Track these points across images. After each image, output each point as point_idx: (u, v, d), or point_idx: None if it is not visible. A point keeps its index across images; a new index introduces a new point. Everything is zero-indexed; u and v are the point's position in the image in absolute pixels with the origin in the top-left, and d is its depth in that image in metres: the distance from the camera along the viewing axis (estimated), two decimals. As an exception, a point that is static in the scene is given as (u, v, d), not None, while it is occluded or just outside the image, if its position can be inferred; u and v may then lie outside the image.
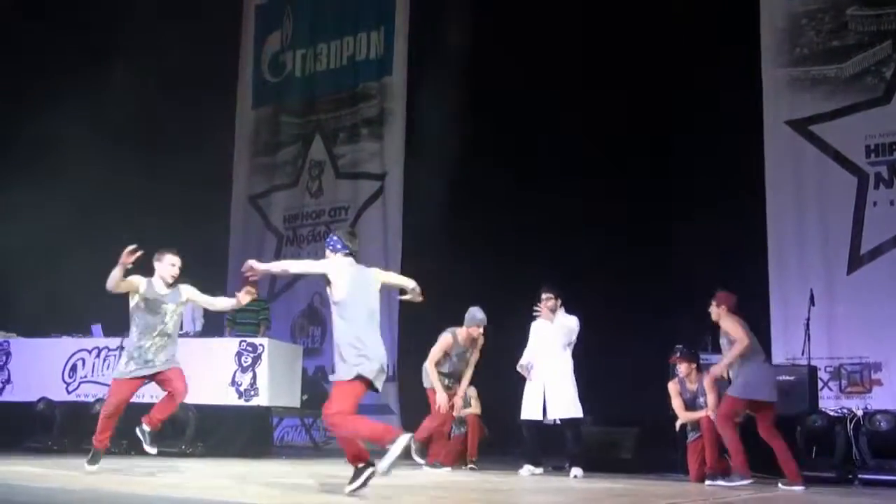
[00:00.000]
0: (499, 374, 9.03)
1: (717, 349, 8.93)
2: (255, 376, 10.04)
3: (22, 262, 12.08)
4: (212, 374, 10.25)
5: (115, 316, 11.45)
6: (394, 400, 12.22)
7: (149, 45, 12.79)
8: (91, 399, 10.72)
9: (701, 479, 7.92)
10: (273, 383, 10.08)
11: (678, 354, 8.37)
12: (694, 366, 8.34)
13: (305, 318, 14.07)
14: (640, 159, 10.98)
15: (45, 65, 12.38)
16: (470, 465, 8.96)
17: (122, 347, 10.81)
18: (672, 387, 8.39)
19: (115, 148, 12.21)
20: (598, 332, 10.17)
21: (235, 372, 10.09)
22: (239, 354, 10.19)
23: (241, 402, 10.00)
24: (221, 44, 14.79)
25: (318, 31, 14.84)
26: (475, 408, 9.30)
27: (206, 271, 13.31)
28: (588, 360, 7.65)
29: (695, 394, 8.28)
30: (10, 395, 11.35)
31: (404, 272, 12.60)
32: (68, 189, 12.07)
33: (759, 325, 8.41)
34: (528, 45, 11.50)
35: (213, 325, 11.62)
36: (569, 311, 8.44)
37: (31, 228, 11.80)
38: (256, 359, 10.13)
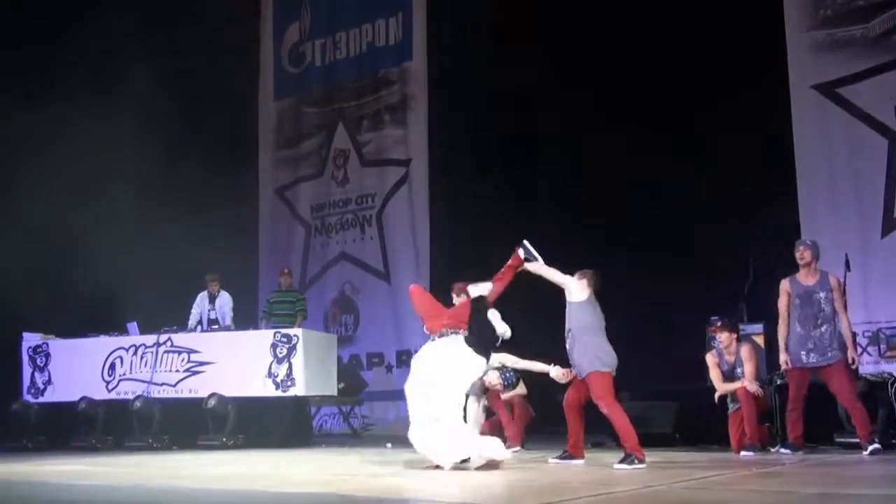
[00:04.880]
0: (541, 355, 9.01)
1: (752, 318, 8.89)
2: (290, 367, 10.10)
3: (57, 264, 12.21)
4: (248, 366, 10.34)
5: (149, 314, 11.60)
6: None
7: (167, 41, 12.83)
8: (131, 396, 10.84)
9: (753, 441, 7.91)
10: (309, 373, 10.14)
11: (718, 324, 8.30)
12: (734, 336, 8.28)
13: (338, 306, 14.13)
14: (665, 134, 10.87)
15: (62, 63, 12.45)
16: (514, 449, 9.01)
17: (158, 344, 10.93)
18: (710, 358, 8.35)
19: (144, 147, 12.28)
20: (633, 306, 10.15)
21: (271, 363, 10.15)
22: (274, 346, 10.26)
23: (279, 393, 10.07)
24: (241, 38, 14.82)
25: (336, 19, 14.82)
26: (521, 388, 9.32)
27: (236, 266, 13.44)
28: (623, 333, 7.61)
29: (733, 364, 8.23)
30: (53, 396, 11.50)
31: (432, 256, 12.82)
32: (100, 190, 12.18)
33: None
34: (547, 21, 11.42)
35: (248, 317, 11.70)
36: (604, 287, 8.38)
37: (65, 230, 11.93)
38: (291, 349, 10.19)
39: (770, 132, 10.36)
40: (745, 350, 8.21)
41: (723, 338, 8.26)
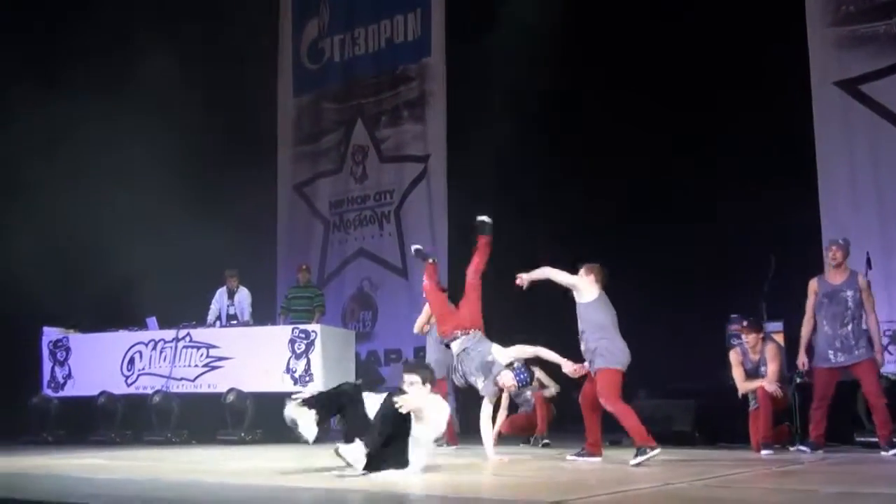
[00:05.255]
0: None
1: (772, 317, 8.83)
2: (308, 362, 10.14)
3: (77, 260, 12.28)
4: (266, 362, 10.38)
5: (169, 309, 11.66)
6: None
7: (187, 38, 12.87)
8: (150, 391, 10.90)
9: (767, 440, 7.88)
10: (327, 368, 10.17)
11: (745, 324, 8.27)
12: (760, 336, 8.24)
13: (356, 302, 14.14)
14: (685, 132, 10.79)
15: (79, 58, 12.51)
16: (544, 442, 9.04)
17: (177, 339, 10.98)
18: (733, 356, 8.31)
19: (164, 144, 12.33)
20: (651, 303, 10.11)
21: (289, 359, 10.19)
22: (292, 342, 10.30)
23: (297, 388, 10.08)
24: (261, 35, 14.85)
25: (354, 15, 14.83)
26: (552, 387, 9.37)
27: (255, 262, 13.48)
28: (641, 331, 7.58)
29: (757, 363, 8.19)
30: (73, 390, 11.59)
31: (451, 253, 12.80)
32: (121, 186, 12.24)
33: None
34: (567, 17, 11.37)
35: (266, 313, 11.74)
36: (623, 284, 8.35)
37: (85, 226, 12.00)
38: (310, 345, 10.22)
39: (791, 129, 10.28)
40: (770, 349, 8.17)
41: (749, 338, 8.22)
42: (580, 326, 7.05)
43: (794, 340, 9.13)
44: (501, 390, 7.24)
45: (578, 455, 7.16)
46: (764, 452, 7.72)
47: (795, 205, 10.01)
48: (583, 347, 7.05)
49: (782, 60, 10.33)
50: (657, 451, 6.53)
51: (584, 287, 7.02)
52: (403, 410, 5.60)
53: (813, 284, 7.98)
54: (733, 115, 10.43)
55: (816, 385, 7.90)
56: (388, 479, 5.47)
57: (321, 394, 6.21)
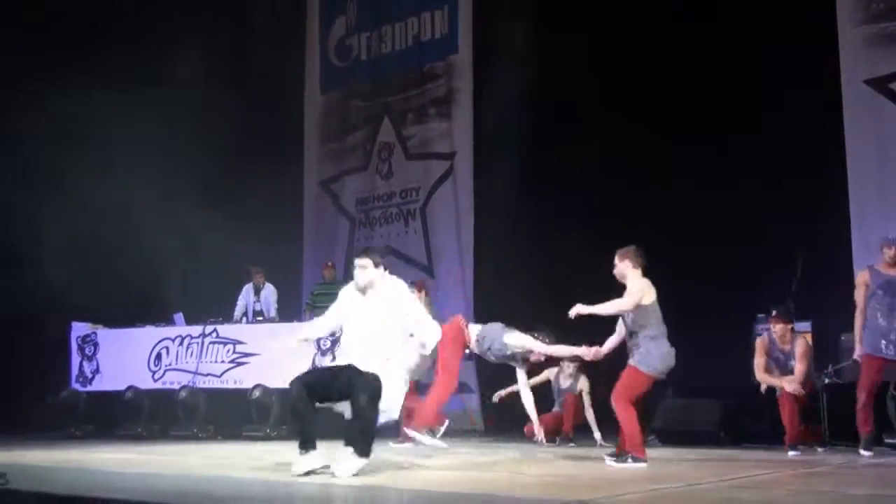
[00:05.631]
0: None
1: (800, 316, 8.75)
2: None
3: (105, 256, 12.40)
4: (292, 358, 10.39)
5: (195, 305, 11.75)
6: (472, 378, 12.23)
7: (216, 36, 12.95)
8: (176, 386, 10.98)
9: (794, 441, 7.80)
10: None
11: (773, 314, 8.17)
12: (790, 327, 8.14)
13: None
14: (713, 131, 10.73)
15: (108, 56, 12.61)
16: (571, 443, 9.05)
17: (204, 335, 11.04)
18: (759, 343, 8.19)
19: (192, 141, 12.43)
20: (678, 301, 10.04)
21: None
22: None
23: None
24: (289, 32, 14.91)
25: (382, 13, 14.84)
26: (583, 383, 9.38)
27: (281, 258, 13.54)
28: (668, 330, 7.53)
29: (787, 355, 8.10)
30: (100, 385, 11.70)
31: (476, 250, 12.80)
32: (149, 183, 12.34)
33: (845, 293, 8.17)
34: (595, 16, 11.34)
35: (292, 309, 11.79)
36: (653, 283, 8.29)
37: (114, 222, 12.12)
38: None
39: (821, 128, 10.19)
40: (800, 346, 8.00)
41: (777, 328, 8.09)
42: (628, 331, 6.67)
43: (822, 341, 9.07)
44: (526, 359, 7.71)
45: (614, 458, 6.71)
46: (791, 453, 7.66)
47: (825, 203, 9.94)
48: (628, 342, 6.73)
49: (813, 59, 10.23)
50: (643, 465, 6.28)
51: (639, 291, 6.50)
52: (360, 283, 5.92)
53: (864, 276, 7.69)
54: (760, 115, 10.37)
55: (865, 373, 7.58)
56: (410, 475, 5.48)
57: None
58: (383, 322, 5.86)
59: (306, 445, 5.71)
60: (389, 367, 5.77)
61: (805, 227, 9.78)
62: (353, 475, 5.43)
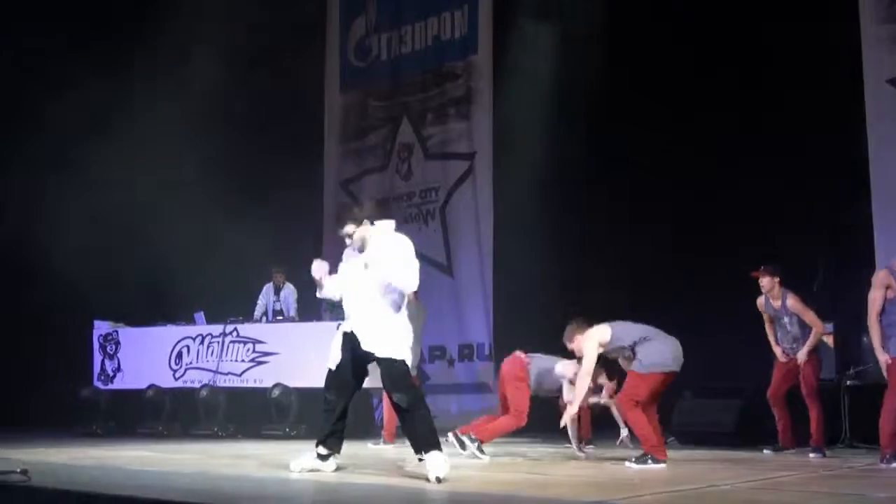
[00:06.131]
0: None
1: (821, 318, 8.68)
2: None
3: (127, 255, 12.48)
4: (312, 357, 10.44)
5: (216, 304, 11.80)
6: (491, 378, 12.22)
7: (235, 34, 12.99)
8: (197, 385, 11.05)
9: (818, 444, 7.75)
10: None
11: (761, 268, 8.20)
12: (777, 279, 8.15)
13: (396, 300, 14.15)
14: (735, 132, 10.67)
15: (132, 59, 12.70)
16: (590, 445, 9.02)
17: (224, 334, 11.08)
18: (758, 304, 8.35)
19: (211, 140, 12.49)
20: (697, 302, 10.02)
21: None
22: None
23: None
24: (308, 32, 14.94)
25: (401, 13, 14.85)
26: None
27: (301, 258, 13.56)
28: (686, 330, 7.50)
29: (778, 311, 8.17)
30: (122, 383, 11.79)
31: (496, 250, 12.78)
32: (170, 182, 12.42)
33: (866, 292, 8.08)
34: (614, 14, 11.30)
35: (312, 309, 11.82)
36: (672, 285, 8.25)
37: (135, 222, 12.20)
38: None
39: (844, 129, 10.10)
40: (791, 302, 8.08)
41: (765, 282, 8.13)
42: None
43: (845, 341, 9.01)
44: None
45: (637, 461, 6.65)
46: (812, 456, 7.61)
47: (847, 204, 9.87)
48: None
49: (834, 58, 10.16)
50: (661, 465, 6.40)
51: (590, 355, 6.90)
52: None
53: (886, 278, 6.96)
54: (782, 115, 10.30)
55: (892, 381, 6.82)
56: (434, 476, 5.46)
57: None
58: (377, 279, 5.88)
59: (331, 448, 5.78)
60: (389, 322, 5.87)
61: (828, 228, 9.71)
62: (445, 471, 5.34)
